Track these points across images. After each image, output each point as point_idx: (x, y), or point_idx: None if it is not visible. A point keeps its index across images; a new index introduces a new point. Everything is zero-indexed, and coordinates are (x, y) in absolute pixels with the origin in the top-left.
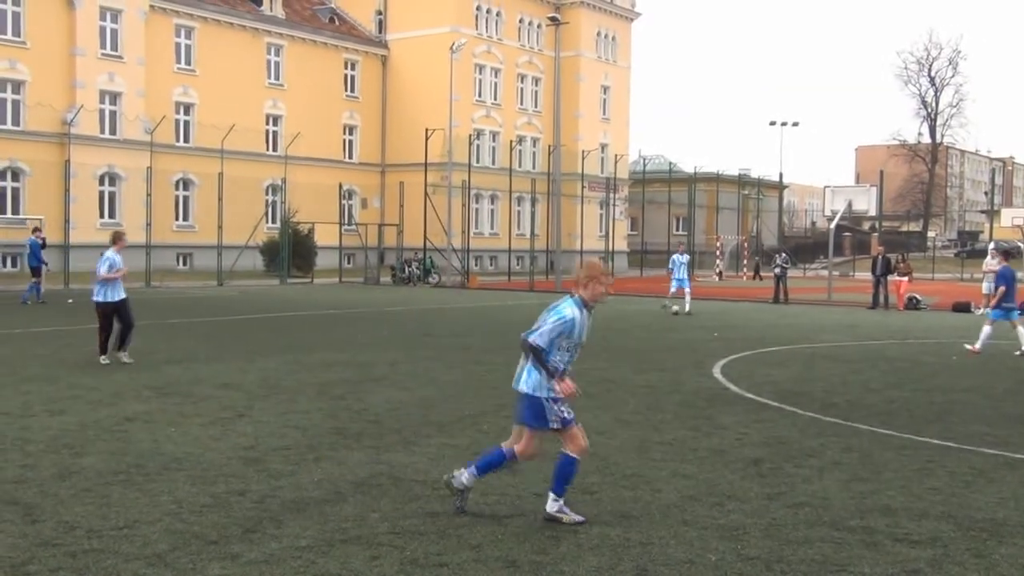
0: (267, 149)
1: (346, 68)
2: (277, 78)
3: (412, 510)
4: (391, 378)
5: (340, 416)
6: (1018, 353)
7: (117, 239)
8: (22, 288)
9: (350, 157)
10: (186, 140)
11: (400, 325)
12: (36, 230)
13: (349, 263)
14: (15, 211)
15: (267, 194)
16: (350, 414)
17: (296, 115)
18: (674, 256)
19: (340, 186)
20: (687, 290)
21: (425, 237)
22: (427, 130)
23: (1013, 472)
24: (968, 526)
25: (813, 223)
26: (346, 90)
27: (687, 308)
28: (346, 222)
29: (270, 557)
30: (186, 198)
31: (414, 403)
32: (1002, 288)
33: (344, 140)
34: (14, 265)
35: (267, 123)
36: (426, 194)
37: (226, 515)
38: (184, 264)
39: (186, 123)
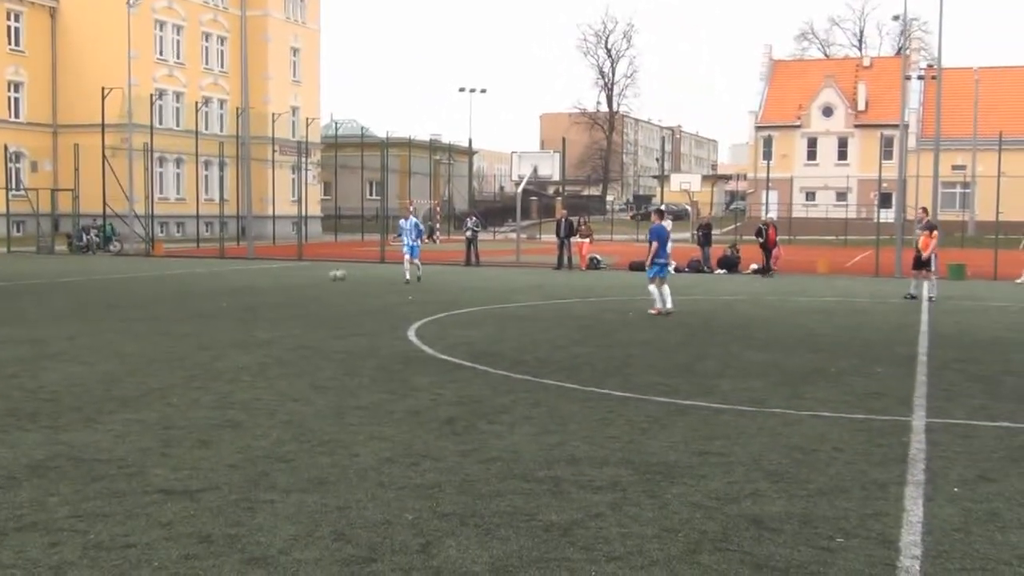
0: None
1: (9, 19)
2: None
3: (95, 491)
4: (70, 353)
5: (12, 396)
6: (653, 312)
7: None
8: None
9: (16, 116)
10: None
11: (79, 296)
12: None
13: (19, 231)
14: None
15: None
16: (23, 393)
17: None
18: (400, 221)
19: (5, 148)
20: (416, 260)
21: (105, 203)
22: (103, 89)
23: (683, 417)
24: (644, 470)
25: (502, 188)
26: (9, 43)
27: (413, 275)
28: (13, 187)
29: None
30: None
31: (96, 378)
32: (654, 244)
33: (8, 97)
34: None
35: None
36: (104, 157)
37: None
38: None
39: None
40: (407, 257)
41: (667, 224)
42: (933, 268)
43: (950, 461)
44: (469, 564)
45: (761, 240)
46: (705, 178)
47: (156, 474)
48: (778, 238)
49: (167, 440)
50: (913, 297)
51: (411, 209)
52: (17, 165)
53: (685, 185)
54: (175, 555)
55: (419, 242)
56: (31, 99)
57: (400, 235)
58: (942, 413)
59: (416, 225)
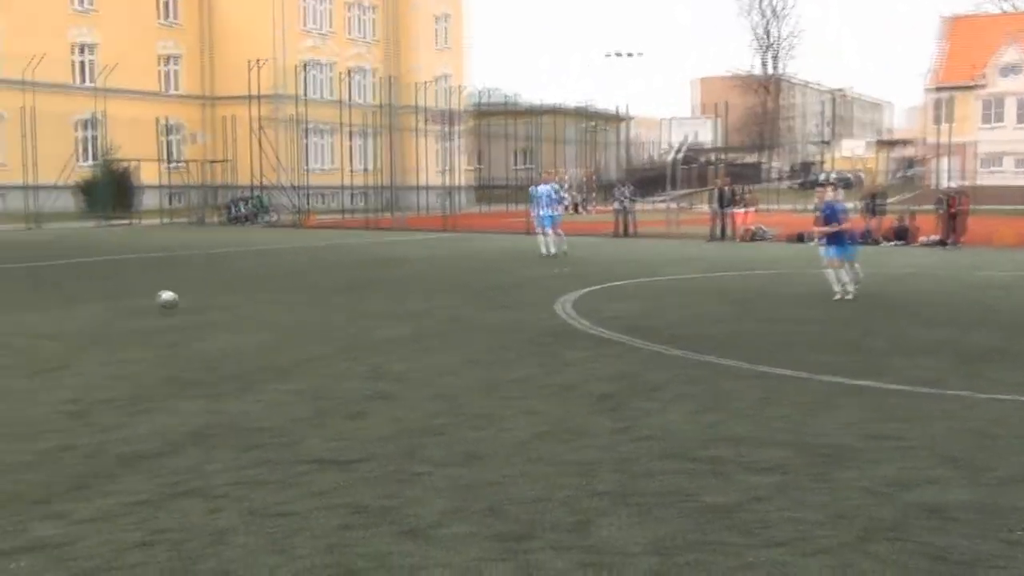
0: (77, 81)
1: None
2: (83, 3)
3: (252, 459)
4: (226, 323)
5: (172, 364)
6: (838, 297)
7: None
8: None
9: (172, 89)
10: None
11: (234, 267)
12: None
13: (176, 203)
14: None
15: (78, 129)
16: (183, 361)
17: (111, 44)
18: (531, 188)
19: (162, 120)
20: (557, 231)
21: (259, 174)
22: (252, 61)
23: (852, 398)
24: (811, 452)
25: (656, 155)
26: (164, 17)
27: (555, 249)
28: (171, 159)
29: (102, 514)
30: None
31: (252, 348)
32: (830, 226)
33: (163, 71)
34: None
35: (76, 52)
36: (259, 128)
37: (52, 473)
38: None
39: None
40: (540, 229)
41: (839, 197)
42: None
43: None
44: (627, 544)
45: (941, 211)
46: (876, 143)
47: (310, 444)
48: (960, 208)
49: (321, 410)
50: None
51: (552, 174)
52: (176, 137)
53: (853, 152)
54: (331, 524)
55: (559, 210)
56: (186, 72)
57: (533, 204)
58: None
59: (552, 192)
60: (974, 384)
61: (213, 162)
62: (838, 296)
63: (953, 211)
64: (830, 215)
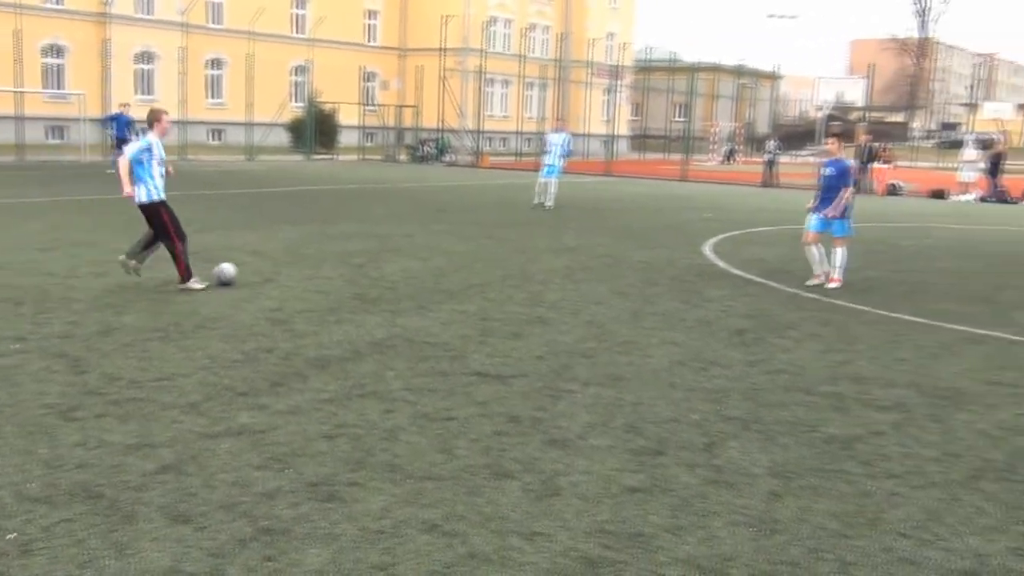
0: (292, 32)
1: None
2: None
3: (424, 369)
4: (407, 249)
5: (359, 283)
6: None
7: (157, 118)
8: (68, 159)
9: (372, 41)
10: (217, 21)
11: (416, 200)
12: (125, 105)
13: (370, 142)
14: (59, 86)
15: (292, 75)
16: (369, 281)
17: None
18: (548, 135)
19: (362, 68)
20: (553, 180)
21: (441, 119)
22: (442, 17)
23: (975, 347)
24: (930, 394)
25: (804, 112)
26: None
27: (547, 200)
28: (367, 103)
29: (295, 408)
30: (217, 77)
31: (428, 272)
32: (840, 193)
33: (366, 24)
34: (60, 137)
35: (293, 6)
36: (442, 77)
37: (255, 370)
38: (216, 139)
39: (218, 5)
40: (545, 179)
41: (845, 157)
42: None
43: None
44: (749, 466)
45: None
46: (1020, 107)
47: (474, 359)
48: None
49: (485, 330)
50: None
51: (564, 122)
52: (372, 84)
53: (996, 114)
54: (488, 430)
55: (562, 164)
56: (384, 25)
57: (547, 152)
58: None
59: (565, 143)
60: None
61: (403, 107)
62: (812, 282)
63: None
64: (835, 177)
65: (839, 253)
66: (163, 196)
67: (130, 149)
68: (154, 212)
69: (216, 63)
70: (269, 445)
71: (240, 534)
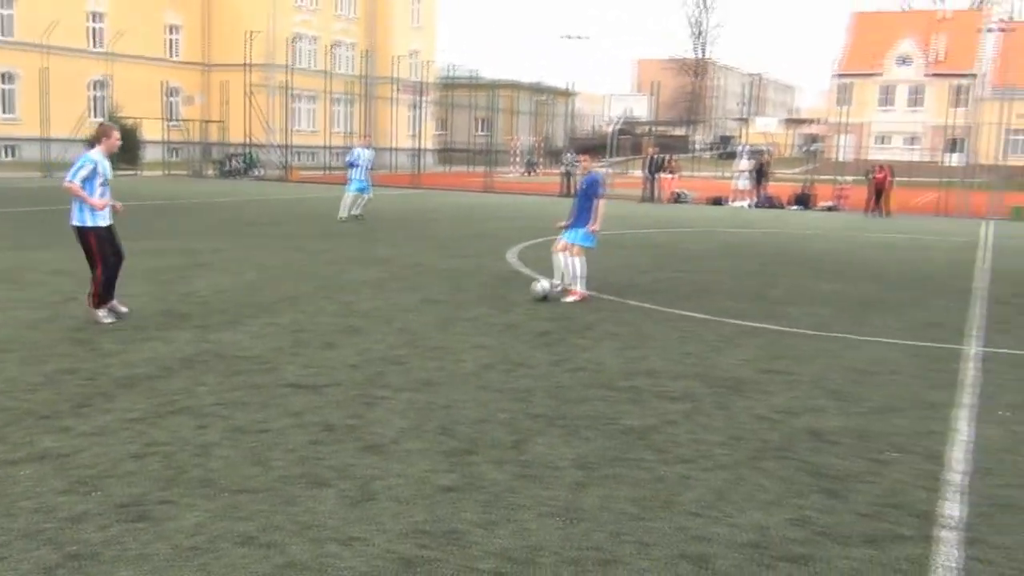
0: (89, 45)
1: None
2: None
3: (236, 383)
4: (216, 264)
5: (168, 299)
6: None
7: (106, 134)
8: None
9: (174, 55)
10: (7, 34)
11: (225, 214)
12: None
13: (175, 157)
14: None
15: (90, 89)
16: (177, 297)
17: (120, 13)
18: (357, 150)
19: (164, 83)
20: (367, 195)
21: (248, 134)
22: (247, 33)
23: (753, 339)
24: (715, 384)
25: (597, 126)
26: None
27: (356, 211)
28: (171, 118)
29: (101, 429)
30: (9, 91)
31: (238, 286)
32: (592, 203)
33: (167, 39)
34: None
35: (89, 20)
36: (248, 93)
37: (57, 392)
38: (9, 156)
39: (7, 16)
40: (355, 194)
41: (601, 170)
42: None
43: (1001, 388)
44: (555, 459)
45: (870, 179)
46: (784, 121)
47: (288, 370)
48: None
49: (297, 342)
50: None
51: (368, 138)
52: (175, 99)
53: (765, 128)
54: (303, 440)
55: (367, 179)
56: (187, 40)
57: (352, 166)
58: (996, 343)
59: (372, 159)
60: (855, 328)
61: (208, 122)
62: (553, 288)
63: (880, 184)
64: (590, 190)
65: (577, 263)
66: (98, 223)
67: (76, 172)
68: (83, 238)
69: (7, 77)
70: (74, 468)
71: (45, 562)
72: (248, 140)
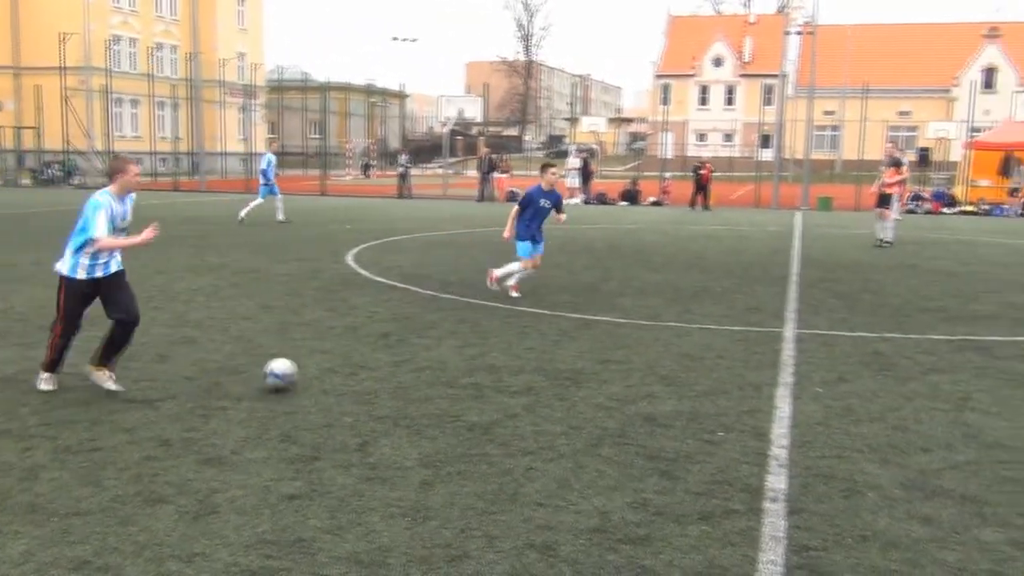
0: None
1: None
2: None
3: (63, 401)
4: (36, 276)
5: None
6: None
7: (122, 168)
8: None
9: None
10: None
11: (44, 225)
12: None
13: None
14: None
15: None
16: None
17: None
18: (268, 155)
19: None
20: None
21: (66, 140)
22: (60, 34)
23: (589, 331)
24: (554, 376)
25: (431, 128)
26: None
27: (244, 214)
28: None
29: None
30: None
31: None
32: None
33: None
34: None
35: None
36: (65, 97)
37: None
38: None
39: None
40: (266, 197)
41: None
42: (894, 208)
43: (814, 366)
44: (401, 460)
45: (696, 176)
46: (610, 121)
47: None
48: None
49: (128, 355)
50: (886, 243)
51: (274, 140)
52: None
53: (593, 127)
54: (137, 457)
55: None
56: None
57: (266, 173)
58: (809, 325)
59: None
60: (684, 317)
61: (21, 128)
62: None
63: (704, 179)
64: (554, 201)
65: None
66: (78, 275)
67: (101, 223)
68: (58, 285)
69: None
70: None
71: None
72: (66, 147)
